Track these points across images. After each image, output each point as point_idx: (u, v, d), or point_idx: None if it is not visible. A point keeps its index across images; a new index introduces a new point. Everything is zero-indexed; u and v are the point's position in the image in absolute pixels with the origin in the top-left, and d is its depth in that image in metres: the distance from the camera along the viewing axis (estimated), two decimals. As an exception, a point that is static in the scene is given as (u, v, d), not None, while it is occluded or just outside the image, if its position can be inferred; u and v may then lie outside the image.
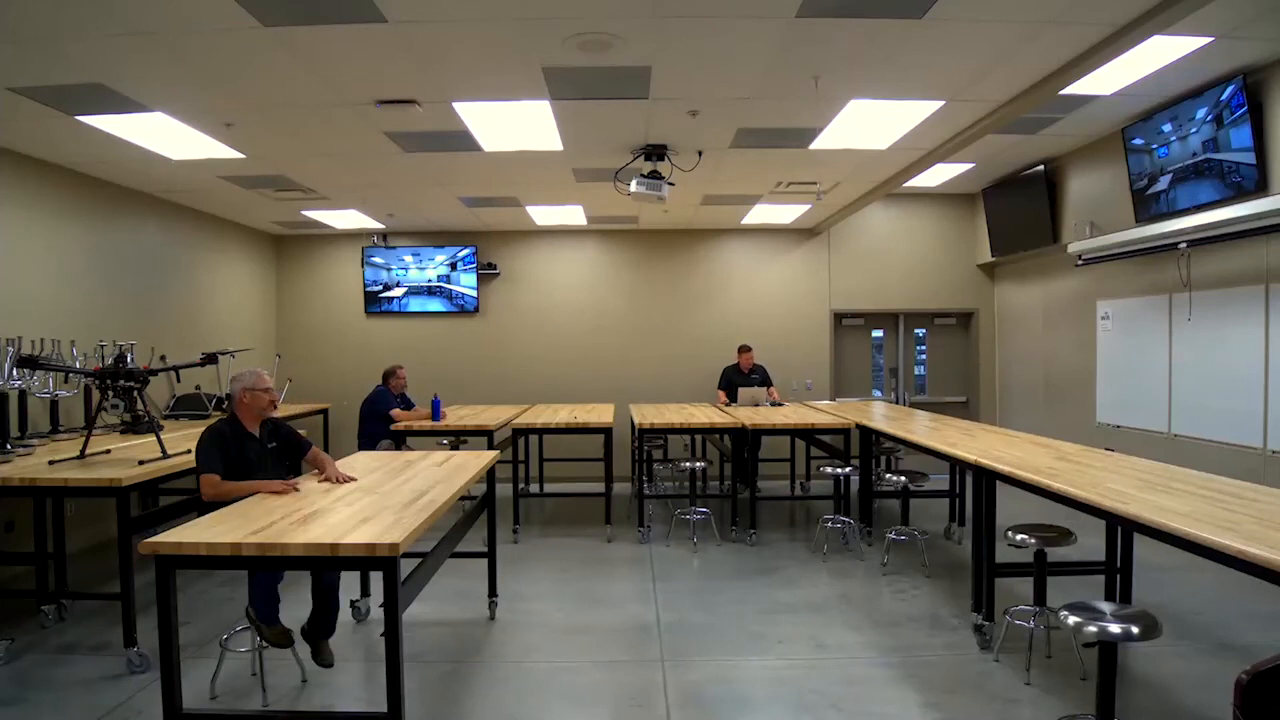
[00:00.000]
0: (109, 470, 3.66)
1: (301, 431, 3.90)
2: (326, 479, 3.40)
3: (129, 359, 4.08)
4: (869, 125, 4.96)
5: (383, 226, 8.41)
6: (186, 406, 6.45)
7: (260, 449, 3.49)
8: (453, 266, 8.67)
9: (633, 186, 5.34)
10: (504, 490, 5.41)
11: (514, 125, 4.92)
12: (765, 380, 7.66)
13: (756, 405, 7.07)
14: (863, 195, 6.93)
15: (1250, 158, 4.43)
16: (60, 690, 3.36)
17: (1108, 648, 2.51)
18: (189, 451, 4.16)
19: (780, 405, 7.17)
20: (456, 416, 6.50)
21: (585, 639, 3.99)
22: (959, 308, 8.54)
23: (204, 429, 3.44)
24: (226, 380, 7.06)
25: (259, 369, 3.58)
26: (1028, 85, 4.25)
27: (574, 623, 4.22)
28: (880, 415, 6.29)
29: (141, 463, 3.78)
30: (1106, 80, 4.41)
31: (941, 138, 5.26)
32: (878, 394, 8.80)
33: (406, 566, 2.65)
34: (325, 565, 2.41)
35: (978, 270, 8.42)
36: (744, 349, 7.74)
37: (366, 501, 2.93)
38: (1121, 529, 3.71)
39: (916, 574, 5.01)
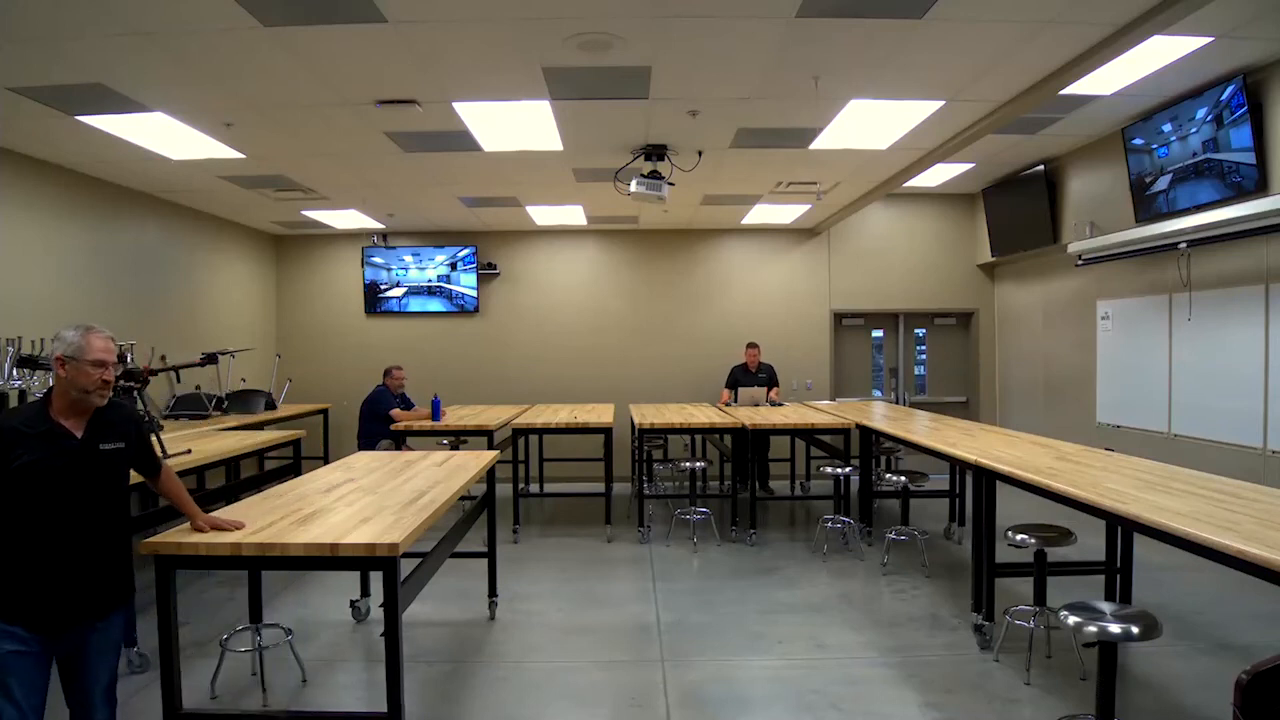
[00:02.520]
0: (109, 470, 3.65)
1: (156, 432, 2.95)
2: (197, 528, 2.41)
3: (129, 359, 4.08)
4: (869, 125, 4.95)
5: (383, 226, 8.41)
6: (186, 406, 6.46)
7: (78, 454, 2.21)
8: (453, 266, 8.67)
9: (633, 186, 5.34)
10: (504, 490, 5.41)
11: (514, 125, 4.92)
12: (772, 379, 7.66)
13: (756, 405, 7.07)
14: (863, 195, 6.93)
15: (1250, 158, 4.43)
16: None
17: (1108, 648, 2.51)
18: (189, 451, 4.19)
19: (780, 405, 7.18)
20: (456, 416, 6.50)
21: (585, 639, 3.99)
22: (959, 308, 8.54)
23: None
24: (227, 380, 7.12)
25: (92, 326, 2.25)
26: (1028, 85, 4.25)
27: (574, 623, 4.22)
28: (880, 415, 6.29)
29: (141, 463, 3.77)
30: (1106, 80, 4.41)
31: (941, 138, 5.26)
32: (878, 394, 8.80)
33: (406, 566, 2.65)
34: (325, 565, 2.40)
35: (978, 270, 8.41)
36: (750, 346, 7.74)
37: (366, 501, 2.93)
38: (1121, 529, 3.71)
39: (916, 574, 5.01)
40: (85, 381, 2.20)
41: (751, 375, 7.63)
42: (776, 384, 7.64)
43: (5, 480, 2.10)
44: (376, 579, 3.66)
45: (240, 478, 5.25)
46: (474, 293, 8.67)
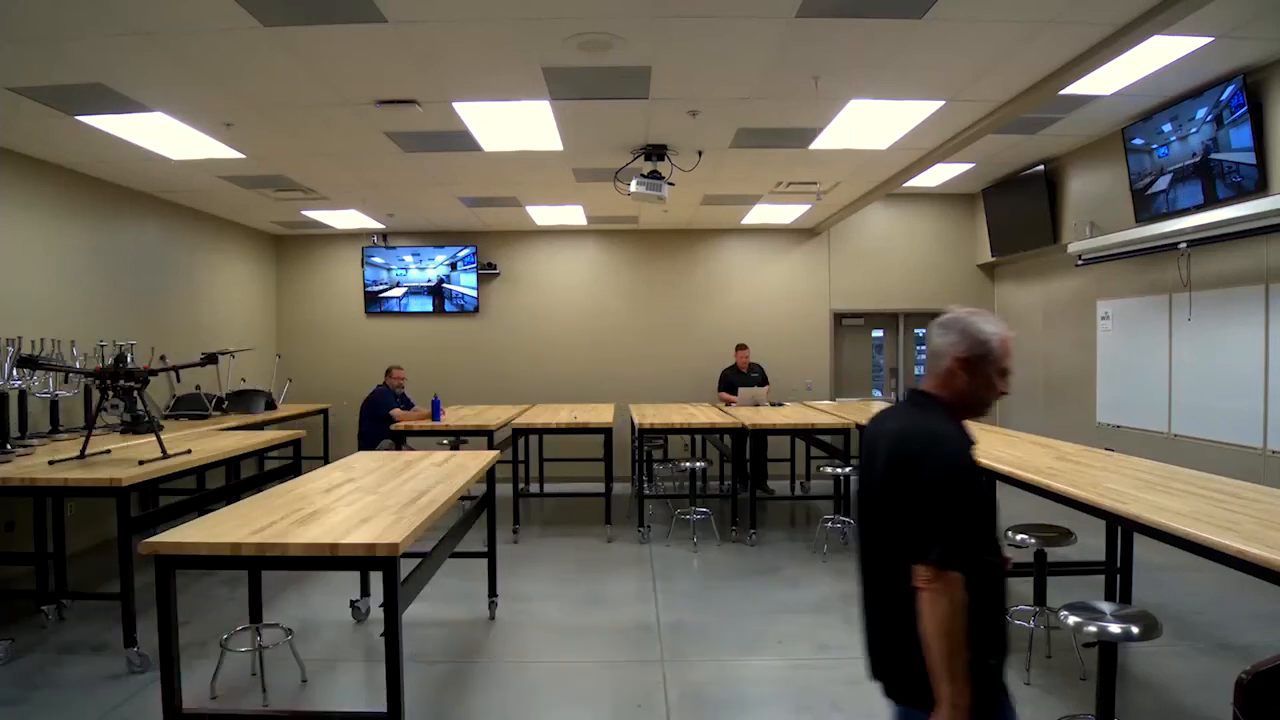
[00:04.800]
0: (109, 470, 3.66)
1: None
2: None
3: (129, 359, 4.08)
4: (869, 125, 4.95)
5: (383, 226, 8.41)
6: (186, 406, 6.45)
7: None
8: (453, 266, 8.67)
9: (633, 186, 5.34)
10: (504, 490, 5.40)
11: (514, 125, 4.92)
12: (764, 379, 7.66)
13: (756, 405, 7.07)
14: (863, 195, 6.93)
15: (1250, 158, 4.43)
16: (60, 690, 3.35)
17: (1108, 648, 2.51)
18: (189, 452, 4.18)
19: (779, 405, 7.18)
20: (456, 416, 6.50)
21: (585, 639, 3.99)
22: (959, 308, 8.52)
23: (946, 466, 1.68)
24: (227, 380, 7.12)
25: (1004, 325, 1.82)
26: (1028, 85, 4.25)
27: (574, 623, 4.22)
28: (880, 415, 6.27)
29: (141, 463, 3.78)
30: (1106, 80, 4.41)
31: (941, 138, 5.25)
32: (878, 394, 8.80)
33: (406, 566, 2.65)
34: (325, 565, 2.40)
35: (978, 270, 8.41)
36: (740, 347, 7.75)
37: (366, 501, 2.92)
38: (1121, 529, 3.71)
39: (916, 574, 5.00)
40: (989, 396, 1.78)
41: (743, 375, 7.64)
42: (766, 382, 7.64)
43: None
44: (377, 579, 3.65)
45: (240, 478, 5.25)
46: (474, 293, 8.67)
